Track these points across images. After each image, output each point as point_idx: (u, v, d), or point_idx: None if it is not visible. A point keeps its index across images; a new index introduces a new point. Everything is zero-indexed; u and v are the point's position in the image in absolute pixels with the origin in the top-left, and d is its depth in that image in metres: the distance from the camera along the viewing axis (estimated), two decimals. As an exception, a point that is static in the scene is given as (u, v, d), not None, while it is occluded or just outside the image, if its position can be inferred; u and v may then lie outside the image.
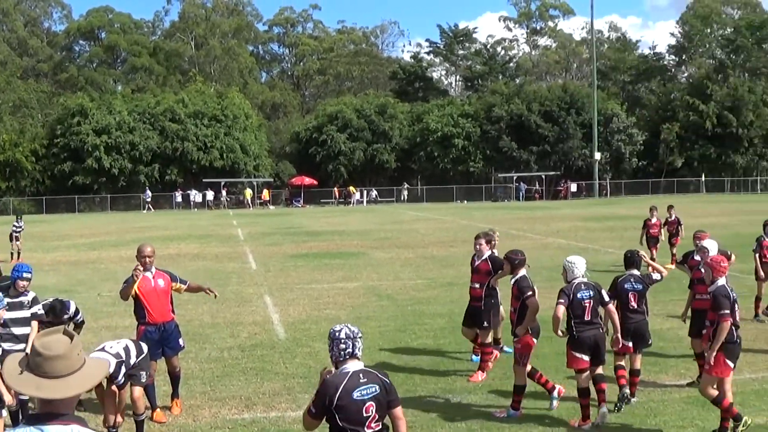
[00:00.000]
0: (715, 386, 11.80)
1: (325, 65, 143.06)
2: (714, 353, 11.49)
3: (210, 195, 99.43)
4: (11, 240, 38.93)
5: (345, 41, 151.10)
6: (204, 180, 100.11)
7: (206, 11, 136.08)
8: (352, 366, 7.57)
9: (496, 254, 16.14)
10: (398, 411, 7.75)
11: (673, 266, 23.45)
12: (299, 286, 28.41)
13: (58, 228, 63.23)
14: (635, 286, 13.77)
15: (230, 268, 33.76)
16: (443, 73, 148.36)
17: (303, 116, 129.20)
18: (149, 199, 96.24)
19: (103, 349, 11.85)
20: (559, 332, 12.74)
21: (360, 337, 7.70)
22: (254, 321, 21.98)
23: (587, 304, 12.60)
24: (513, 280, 13.45)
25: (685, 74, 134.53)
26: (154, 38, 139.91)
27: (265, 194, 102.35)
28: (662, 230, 32.40)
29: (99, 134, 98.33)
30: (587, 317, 12.62)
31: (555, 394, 13.47)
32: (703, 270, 12.75)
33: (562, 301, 12.53)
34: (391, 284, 27.91)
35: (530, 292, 13.05)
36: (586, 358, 12.62)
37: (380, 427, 7.56)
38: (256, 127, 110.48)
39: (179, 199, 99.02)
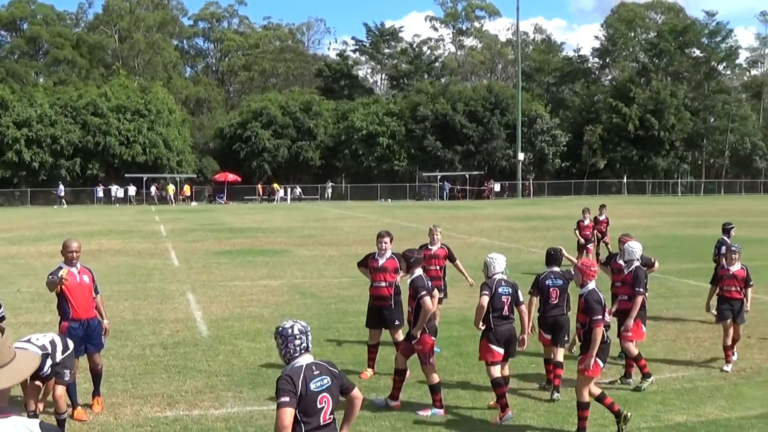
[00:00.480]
0: (591, 387, 12.14)
1: (251, 61, 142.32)
2: (592, 359, 11.79)
3: (132, 190, 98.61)
4: None
5: (271, 38, 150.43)
6: (126, 175, 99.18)
7: (130, 4, 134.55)
8: (304, 360, 7.57)
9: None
10: (356, 392, 7.91)
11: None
12: (222, 283, 28.26)
13: (-24, 222, 62.19)
14: (555, 282, 14.45)
15: (152, 265, 33.46)
16: (369, 71, 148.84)
17: (227, 112, 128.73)
18: (62, 194, 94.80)
19: (29, 341, 11.70)
20: (480, 325, 13.09)
21: (309, 331, 7.70)
22: (177, 318, 21.81)
23: (506, 300, 13.06)
24: (409, 280, 13.50)
25: (609, 77, 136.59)
26: (78, 30, 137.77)
27: (186, 190, 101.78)
28: (594, 231, 32.14)
29: (20, 127, 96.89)
30: (505, 312, 13.05)
31: (393, 403, 13.62)
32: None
33: (486, 293, 12.96)
34: (315, 282, 27.89)
35: (424, 292, 13.12)
36: (501, 350, 13.01)
37: (332, 419, 7.60)
38: (180, 123, 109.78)
39: (100, 194, 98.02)
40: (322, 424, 7.48)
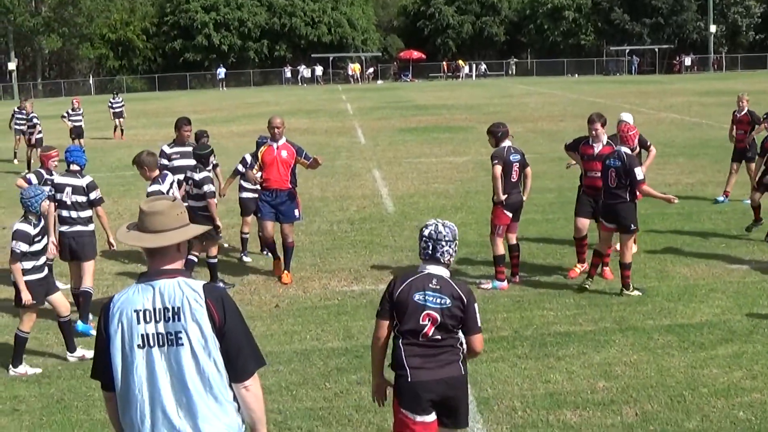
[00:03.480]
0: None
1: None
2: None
3: (319, 70, 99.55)
4: (114, 117, 39.81)
5: None
6: (312, 55, 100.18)
7: None
8: (431, 268, 6.66)
9: None
10: (474, 339, 6.64)
11: None
12: (407, 160, 28.51)
13: (170, 105, 64.16)
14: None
15: (339, 143, 33.97)
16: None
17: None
18: (223, 77, 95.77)
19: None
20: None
21: (448, 240, 6.68)
22: (363, 195, 22.18)
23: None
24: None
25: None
26: None
27: (355, 68, 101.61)
28: None
29: (207, 11, 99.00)
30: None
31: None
32: None
33: (496, 161, 13.48)
34: (500, 159, 27.72)
35: (496, 160, 13.59)
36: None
37: (441, 338, 6.56)
38: (364, 1, 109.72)
39: (288, 74, 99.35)
40: (420, 340, 6.54)
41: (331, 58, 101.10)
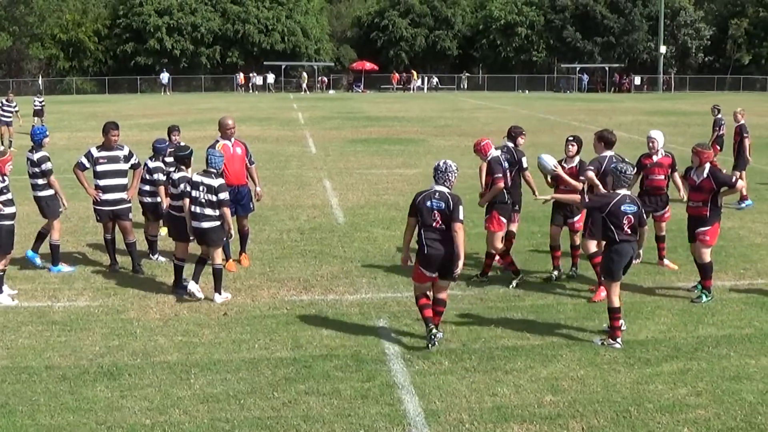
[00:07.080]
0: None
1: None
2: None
3: (271, 78, 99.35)
4: (34, 115, 43.63)
5: None
6: (265, 63, 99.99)
7: None
8: (437, 187, 11.02)
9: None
10: (456, 226, 10.80)
11: None
12: (358, 171, 28.51)
13: (120, 108, 63.68)
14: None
15: (290, 151, 33.93)
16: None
17: (365, 0, 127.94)
18: (166, 82, 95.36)
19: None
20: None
21: (451, 172, 11.06)
22: (313, 204, 22.16)
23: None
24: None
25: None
26: None
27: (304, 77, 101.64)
28: None
29: (161, 15, 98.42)
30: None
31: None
32: None
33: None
34: (451, 172, 27.79)
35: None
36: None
37: (444, 229, 10.85)
38: (318, 11, 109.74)
39: (240, 81, 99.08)
40: (432, 229, 10.94)
41: (283, 67, 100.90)
